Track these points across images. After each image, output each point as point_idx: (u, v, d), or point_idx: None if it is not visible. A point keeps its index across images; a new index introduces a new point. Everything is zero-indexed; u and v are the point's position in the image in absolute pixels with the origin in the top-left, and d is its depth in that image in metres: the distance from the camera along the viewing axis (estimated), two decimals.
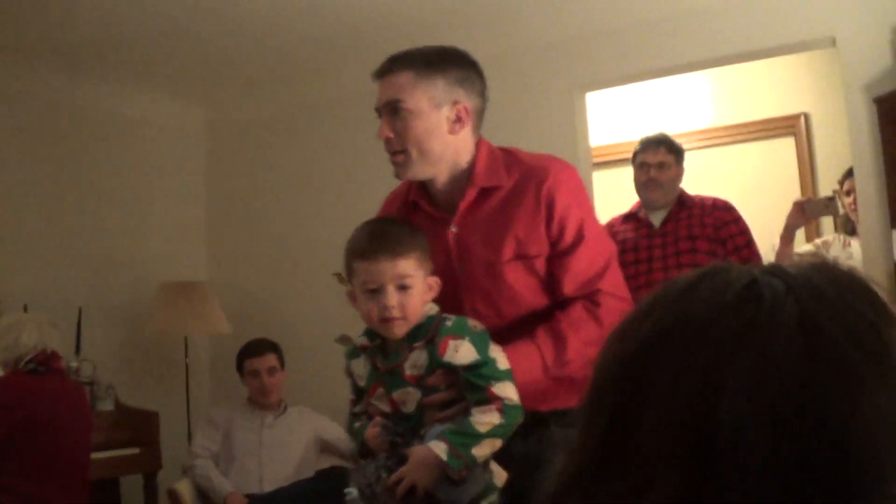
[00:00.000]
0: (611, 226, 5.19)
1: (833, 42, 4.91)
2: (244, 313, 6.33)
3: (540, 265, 2.74)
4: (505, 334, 2.66)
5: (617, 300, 2.74)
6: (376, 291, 2.61)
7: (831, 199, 4.88)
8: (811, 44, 5.18)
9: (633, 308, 0.95)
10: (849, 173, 5.14)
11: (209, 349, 6.61)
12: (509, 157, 2.82)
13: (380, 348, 2.73)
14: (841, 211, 5.12)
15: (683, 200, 5.02)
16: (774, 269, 0.88)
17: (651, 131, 5.19)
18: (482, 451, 2.53)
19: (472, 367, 2.57)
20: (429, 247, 2.71)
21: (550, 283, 2.75)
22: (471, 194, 2.77)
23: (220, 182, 6.81)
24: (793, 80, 6.56)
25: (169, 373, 6.28)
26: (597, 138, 5.90)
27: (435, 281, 2.69)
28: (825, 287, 0.85)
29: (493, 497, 2.60)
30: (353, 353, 2.81)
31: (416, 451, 2.56)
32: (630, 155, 5.14)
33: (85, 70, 5.99)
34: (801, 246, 5.48)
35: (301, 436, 5.36)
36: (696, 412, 0.80)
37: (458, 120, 2.74)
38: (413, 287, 2.62)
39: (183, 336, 6.06)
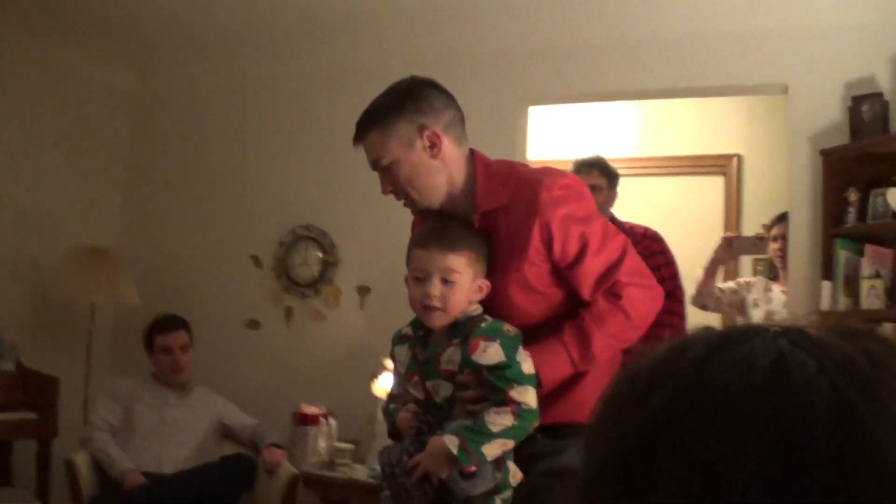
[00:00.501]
0: None
1: (785, 90, 4.95)
2: (154, 286, 6.17)
3: (534, 276, 2.82)
4: (536, 331, 2.80)
5: (638, 287, 2.84)
6: (423, 280, 2.80)
7: (761, 239, 4.92)
8: (763, 88, 5.24)
9: (629, 376, 0.80)
10: (779, 219, 5.19)
11: (114, 319, 6.42)
12: (506, 171, 2.91)
13: (421, 339, 2.91)
14: (767, 254, 5.18)
15: (617, 225, 5.01)
16: (800, 339, 0.74)
17: (588, 153, 5.18)
18: (492, 449, 2.69)
19: (495, 369, 2.72)
20: (485, 249, 2.88)
21: (568, 291, 2.86)
22: (477, 221, 2.87)
23: (144, 149, 6.63)
24: (731, 121, 6.64)
25: (72, 339, 6.07)
26: (535, 152, 5.86)
27: (485, 284, 2.85)
28: (863, 367, 0.71)
29: (507, 494, 2.75)
30: (399, 339, 3.00)
31: (433, 442, 2.74)
32: None
33: (9, 17, 5.75)
34: (724, 283, 5.51)
35: (203, 418, 5.21)
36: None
37: (433, 145, 2.83)
38: (457, 283, 2.79)
39: (90, 303, 5.87)
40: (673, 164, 6.79)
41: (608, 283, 2.82)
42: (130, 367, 5.68)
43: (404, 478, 2.83)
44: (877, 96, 4.49)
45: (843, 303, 4.42)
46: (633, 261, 2.90)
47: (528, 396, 2.69)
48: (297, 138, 6.06)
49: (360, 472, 5.14)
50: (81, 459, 4.86)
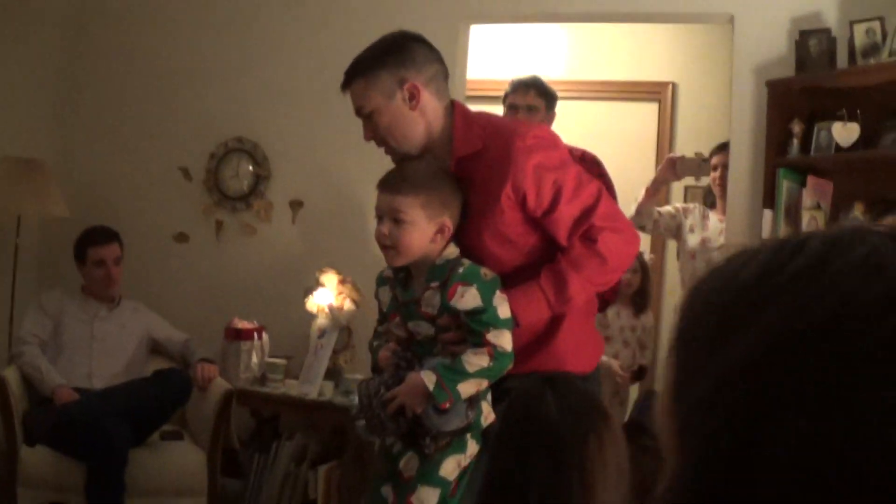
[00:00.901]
0: None
1: (730, 19, 4.96)
2: (82, 198, 5.97)
3: (506, 223, 2.91)
4: (511, 277, 2.91)
5: (612, 231, 2.95)
6: (379, 220, 2.94)
7: (705, 161, 4.96)
8: (708, 17, 5.27)
9: (728, 284, 0.73)
10: (719, 148, 5.23)
11: (41, 232, 6.22)
12: (483, 120, 3.02)
13: (401, 281, 3.04)
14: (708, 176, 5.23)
15: None
16: None
17: (524, 73, 5.13)
18: (467, 388, 2.80)
19: (473, 313, 2.83)
20: (454, 194, 2.95)
21: (542, 239, 2.96)
22: (452, 166, 2.96)
23: (74, 61, 6.34)
24: (667, 49, 6.68)
25: None
26: (473, 72, 5.81)
27: (447, 225, 2.92)
28: None
29: (478, 433, 2.91)
30: (381, 280, 3.14)
31: (410, 377, 2.86)
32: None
33: None
34: (661, 206, 5.56)
35: (133, 332, 5.12)
36: (854, 438, 0.62)
37: (413, 97, 2.93)
38: (408, 223, 2.88)
39: (16, 215, 5.67)
40: (608, 89, 6.81)
41: (583, 228, 2.90)
42: (57, 281, 5.54)
43: (380, 409, 2.91)
44: (824, 32, 4.53)
45: (784, 232, 4.49)
46: (608, 205, 2.98)
47: (504, 339, 2.81)
48: (230, 50, 5.89)
49: (293, 388, 5.11)
50: (11, 375, 4.71)
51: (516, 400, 2.17)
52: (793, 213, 4.51)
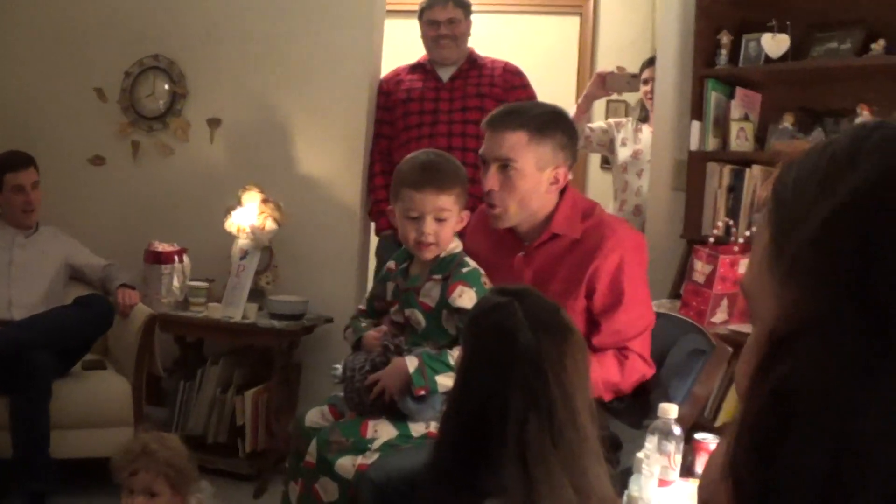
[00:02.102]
0: (396, 74, 5.14)
1: None
2: None
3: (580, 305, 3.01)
4: None
5: (642, 362, 3.04)
6: (417, 219, 3.06)
7: (634, 76, 4.94)
8: None
9: (822, 154, 0.83)
10: (649, 62, 5.20)
11: None
12: (588, 211, 3.09)
13: (403, 271, 3.23)
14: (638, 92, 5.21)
15: (474, 59, 5.01)
16: None
17: None
18: (444, 381, 2.91)
19: (466, 313, 2.83)
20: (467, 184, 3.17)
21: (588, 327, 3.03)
22: (545, 236, 3.06)
23: None
24: None
25: None
26: None
27: (467, 214, 3.16)
28: None
29: None
30: (386, 276, 3.34)
31: (395, 362, 3.02)
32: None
33: None
34: (594, 122, 5.54)
35: (53, 259, 4.94)
36: None
37: (556, 181, 3.01)
38: (448, 220, 3.07)
39: None
40: (529, 3, 6.71)
41: (622, 344, 3.02)
42: None
43: (361, 384, 3.06)
44: None
45: (713, 143, 4.49)
46: (647, 342, 3.09)
47: None
48: None
49: (216, 311, 5.01)
50: None
51: (484, 315, 2.19)
52: (721, 124, 4.50)
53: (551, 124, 2.98)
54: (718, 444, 0.85)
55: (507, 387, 2.03)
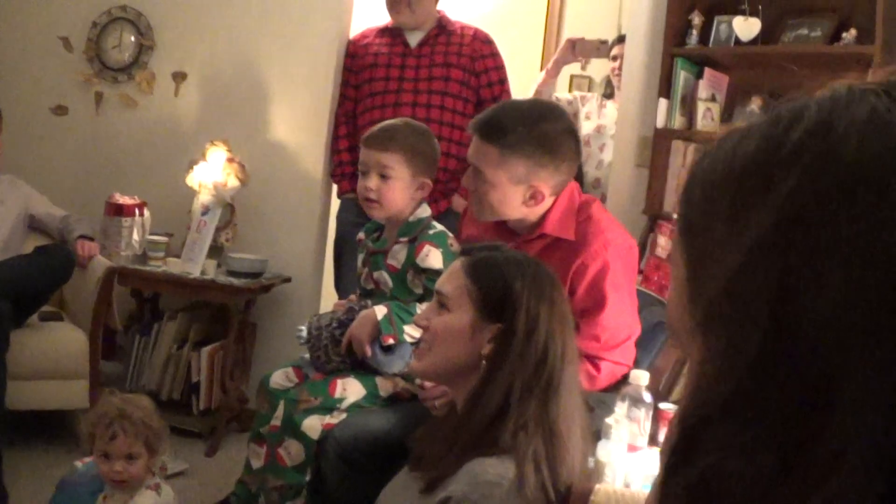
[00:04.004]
0: (365, 36, 5.10)
1: None
2: None
3: None
4: None
5: (617, 366, 2.95)
6: (365, 174, 3.17)
7: (604, 43, 4.96)
8: None
9: (731, 164, 0.71)
10: (619, 39, 5.22)
11: None
12: (584, 206, 3.01)
13: (374, 239, 3.31)
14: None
15: (444, 25, 4.96)
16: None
17: None
18: (412, 331, 2.96)
19: (432, 272, 3.03)
20: (435, 156, 3.25)
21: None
22: (535, 234, 2.99)
23: None
24: None
25: None
26: None
27: (427, 183, 3.20)
28: None
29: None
30: (359, 248, 3.40)
31: (363, 312, 3.08)
32: None
33: None
34: (561, 92, 5.56)
35: (12, 207, 4.86)
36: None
37: (533, 198, 2.90)
38: (392, 178, 3.13)
39: None
40: None
41: (599, 354, 2.92)
42: None
43: (329, 342, 3.11)
44: None
45: (679, 121, 4.53)
46: (629, 351, 3.01)
47: None
48: None
49: (175, 266, 4.99)
50: None
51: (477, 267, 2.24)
52: (688, 104, 4.54)
53: (527, 141, 2.86)
54: None
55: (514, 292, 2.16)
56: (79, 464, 3.08)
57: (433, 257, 3.08)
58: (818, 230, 0.63)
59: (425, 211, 3.24)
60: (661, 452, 0.72)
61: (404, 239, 3.17)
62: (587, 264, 2.88)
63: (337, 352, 3.10)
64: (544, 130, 2.88)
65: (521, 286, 2.14)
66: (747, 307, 0.66)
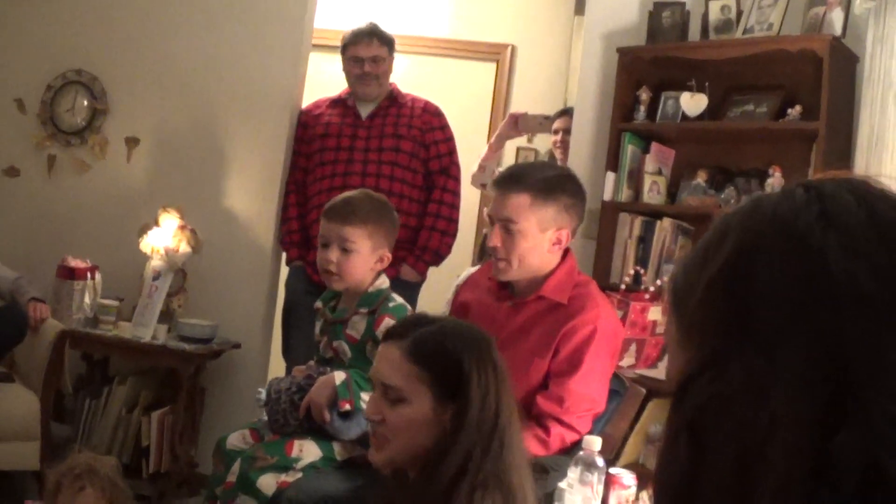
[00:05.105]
0: (317, 106, 5.18)
1: None
2: None
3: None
4: None
5: (568, 432, 3.03)
6: (325, 247, 3.22)
7: (547, 118, 5.08)
8: None
9: (695, 247, 1.02)
10: (562, 112, 5.34)
11: None
12: (582, 283, 3.17)
13: (331, 307, 3.35)
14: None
15: (395, 97, 5.05)
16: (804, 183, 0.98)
17: (360, 23, 5.12)
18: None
19: None
20: (394, 227, 3.35)
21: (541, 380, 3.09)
22: (534, 296, 3.12)
23: None
24: (508, 10, 6.77)
25: None
26: (320, 21, 5.75)
27: (387, 255, 3.27)
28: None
29: None
30: (314, 316, 3.45)
31: (322, 378, 3.11)
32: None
33: None
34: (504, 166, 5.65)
35: None
36: (806, 277, 0.88)
37: (558, 242, 3.09)
38: (354, 252, 3.19)
39: None
40: (447, 47, 6.86)
41: (557, 416, 3.01)
42: None
43: (287, 405, 3.13)
44: (679, 4, 4.67)
45: (626, 194, 4.64)
46: (587, 424, 3.10)
47: None
48: None
49: (126, 331, 5.00)
50: None
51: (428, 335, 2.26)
52: (635, 177, 4.65)
53: (557, 187, 3.08)
54: None
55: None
56: None
57: None
58: (752, 266, 0.93)
59: (384, 282, 3.30)
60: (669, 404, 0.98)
61: (364, 310, 3.21)
62: (577, 329, 3.01)
63: (295, 416, 3.13)
64: (558, 175, 3.19)
65: (468, 358, 2.16)
66: (712, 310, 0.95)
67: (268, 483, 3.00)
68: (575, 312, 3.04)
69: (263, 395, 3.24)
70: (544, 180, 3.09)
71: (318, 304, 3.44)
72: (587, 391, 3.04)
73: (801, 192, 0.95)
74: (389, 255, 3.30)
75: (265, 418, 3.27)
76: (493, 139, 5.24)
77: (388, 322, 3.07)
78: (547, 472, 2.96)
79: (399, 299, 3.27)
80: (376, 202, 3.33)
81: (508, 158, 6.47)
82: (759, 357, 0.88)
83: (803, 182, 0.98)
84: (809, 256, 0.89)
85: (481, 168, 5.18)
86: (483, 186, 5.26)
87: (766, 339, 0.88)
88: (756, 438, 0.86)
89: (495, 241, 3.10)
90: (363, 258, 3.21)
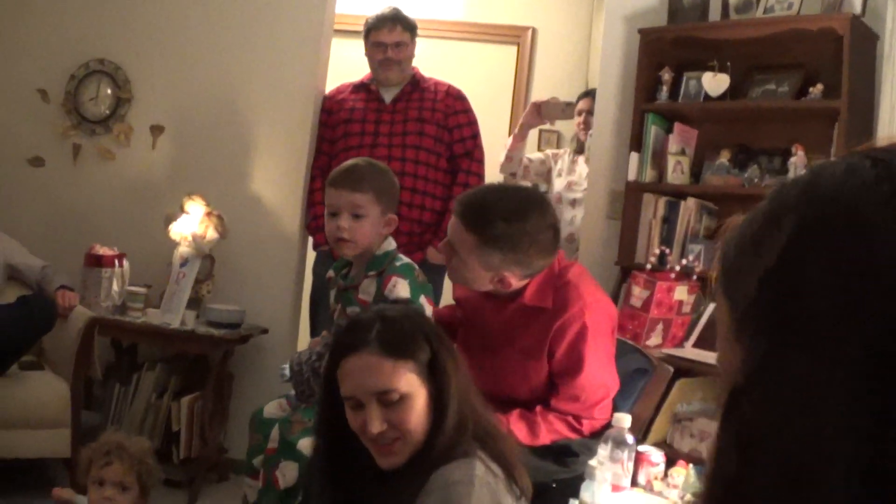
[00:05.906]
0: (339, 92, 5.20)
1: None
2: None
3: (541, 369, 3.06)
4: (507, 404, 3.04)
5: (566, 427, 3.04)
6: (335, 215, 3.26)
7: (569, 105, 5.07)
8: None
9: (757, 216, 0.92)
10: (585, 94, 5.35)
11: None
12: (563, 273, 3.10)
13: (343, 276, 3.41)
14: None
15: (417, 81, 5.08)
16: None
17: (381, 8, 5.13)
18: None
19: (399, 302, 3.10)
20: (397, 191, 3.42)
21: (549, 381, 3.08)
22: (515, 304, 3.09)
23: None
24: None
25: None
26: (341, 6, 5.76)
27: (394, 218, 3.33)
28: None
29: None
30: (327, 285, 3.53)
31: None
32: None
33: None
34: (532, 153, 5.67)
35: None
36: (873, 273, 0.79)
37: (501, 282, 3.01)
38: (365, 218, 3.24)
39: None
40: (468, 30, 6.86)
41: (578, 413, 3.04)
42: None
43: (309, 373, 3.19)
44: None
45: (650, 175, 4.65)
46: (607, 409, 3.11)
47: None
48: None
49: (154, 317, 5.04)
50: None
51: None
52: (659, 157, 4.66)
53: (512, 241, 2.95)
54: None
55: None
56: None
57: (400, 288, 3.18)
58: (806, 252, 0.84)
59: (391, 244, 3.35)
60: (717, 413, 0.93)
61: (373, 273, 3.27)
62: (566, 328, 2.98)
63: (319, 382, 3.16)
64: (525, 230, 2.95)
65: (420, 329, 2.30)
66: (767, 312, 0.87)
67: (307, 445, 3.05)
68: (559, 311, 3.00)
69: (287, 371, 3.28)
70: (500, 228, 2.96)
71: (331, 272, 3.51)
72: (597, 381, 3.06)
73: (869, 166, 0.84)
74: (396, 218, 3.36)
75: (293, 392, 3.32)
76: (516, 128, 5.24)
77: (395, 280, 3.18)
78: (577, 455, 2.98)
79: (405, 259, 3.33)
80: (378, 168, 3.40)
81: (531, 141, 6.49)
82: (813, 365, 0.81)
83: (870, 152, 0.87)
84: (877, 247, 0.79)
85: (508, 158, 5.19)
86: (513, 175, 5.26)
87: (822, 344, 0.81)
88: (806, 456, 0.81)
89: (441, 257, 3.22)
90: (373, 223, 3.27)
